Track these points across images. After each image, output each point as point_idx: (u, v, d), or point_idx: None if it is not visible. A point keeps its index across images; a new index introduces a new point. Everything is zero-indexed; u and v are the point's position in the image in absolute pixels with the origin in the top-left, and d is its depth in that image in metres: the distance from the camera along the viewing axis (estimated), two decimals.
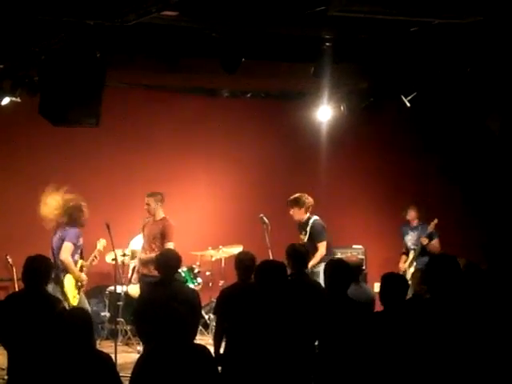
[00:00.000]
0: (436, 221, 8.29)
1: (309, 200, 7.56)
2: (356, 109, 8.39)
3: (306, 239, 7.42)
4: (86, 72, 5.68)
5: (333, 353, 4.67)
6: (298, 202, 7.52)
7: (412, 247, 8.43)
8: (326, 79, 6.79)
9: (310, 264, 6.91)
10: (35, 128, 7.61)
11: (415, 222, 8.50)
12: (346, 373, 4.61)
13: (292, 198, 7.59)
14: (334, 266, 5.09)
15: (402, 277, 5.02)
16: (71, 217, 6.94)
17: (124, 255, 7.86)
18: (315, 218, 7.50)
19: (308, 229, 7.42)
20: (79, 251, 6.98)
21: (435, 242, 8.29)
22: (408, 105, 7.36)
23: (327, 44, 6.21)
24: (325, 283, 5.12)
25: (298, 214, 7.53)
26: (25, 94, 7.00)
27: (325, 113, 8.47)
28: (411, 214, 8.51)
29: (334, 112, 8.54)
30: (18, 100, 7.19)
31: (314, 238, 7.41)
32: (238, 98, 9.27)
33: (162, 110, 8.98)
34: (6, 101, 7.29)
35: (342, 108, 8.38)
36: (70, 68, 5.63)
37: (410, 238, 8.49)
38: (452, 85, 7.19)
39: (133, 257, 7.93)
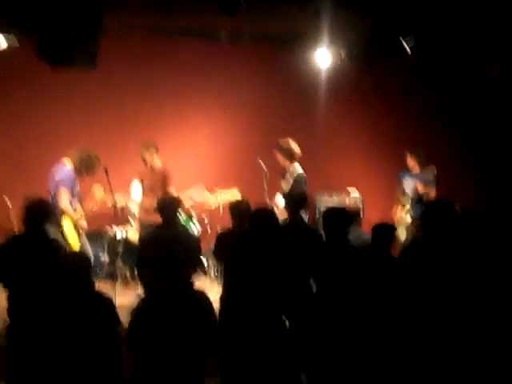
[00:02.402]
0: (434, 168, 8.28)
1: (294, 149, 7.48)
2: (356, 55, 8.33)
3: (286, 188, 7.40)
4: (84, 12, 5.61)
5: (332, 296, 4.73)
6: (281, 149, 7.49)
7: (409, 194, 8.44)
8: (326, 23, 6.70)
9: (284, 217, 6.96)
10: (33, 73, 7.56)
11: (415, 169, 8.48)
12: (342, 316, 4.68)
13: (279, 141, 7.54)
14: (332, 214, 5.13)
15: (392, 227, 5.08)
16: (83, 163, 6.88)
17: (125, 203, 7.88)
18: (297, 167, 7.45)
19: (290, 179, 7.39)
20: (77, 195, 6.97)
21: (432, 190, 8.29)
22: (409, 51, 7.27)
23: None
24: (324, 230, 5.17)
25: (280, 159, 7.52)
26: (21, 37, 6.90)
27: (324, 58, 8.38)
28: (410, 161, 8.50)
29: (333, 58, 8.45)
30: (15, 42, 7.10)
31: (294, 188, 7.35)
32: (236, 41, 9.15)
33: (160, 54, 8.88)
34: (4, 45, 7.19)
35: (341, 54, 8.31)
36: (67, 8, 5.55)
37: (408, 185, 8.47)
38: (453, 30, 7.10)
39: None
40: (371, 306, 4.62)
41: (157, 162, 7.69)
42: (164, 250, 4.52)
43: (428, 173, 8.28)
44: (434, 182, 8.32)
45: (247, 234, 5.03)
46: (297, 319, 5.21)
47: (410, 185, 8.45)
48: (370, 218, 8.38)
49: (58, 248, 5.10)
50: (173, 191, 7.44)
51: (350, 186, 9.56)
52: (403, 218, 8.35)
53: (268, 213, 5.09)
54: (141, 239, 6.75)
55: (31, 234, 5.05)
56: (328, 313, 4.73)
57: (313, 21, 6.73)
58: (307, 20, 6.83)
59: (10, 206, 8.13)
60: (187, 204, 7.87)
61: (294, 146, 7.50)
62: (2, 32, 7.03)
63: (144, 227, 7.36)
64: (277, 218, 5.21)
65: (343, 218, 5.05)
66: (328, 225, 5.06)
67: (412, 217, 8.22)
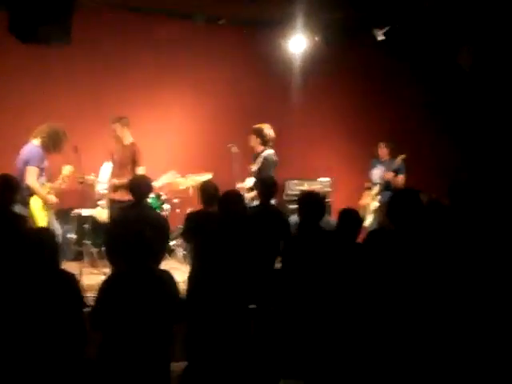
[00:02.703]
0: (403, 156, 8.37)
1: (269, 133, 7.51)
2: (330, 41, 8.35)
3: (254, 169, 7.45)
4: None
5: (299, 279, 4.77)
6: (256, 131, 7.52)
7: (378, 181, 8.54)
8: (300, 7, 6.70)
9: (250, 196, 7.00)
10: (4, 47, 7.42)
11: (385, 157, 8.59)
12: (308, 299, 4.73)
13: (256, 126, 7.57)
14: (307, 198, 5.17)
15: (357, 212, 5.15)
16: (51, 138, 6.82)
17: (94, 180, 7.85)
18: (269, 151, 7.48)
19: (259, 160, 7.44)
20: (44, 173, 6.91)
21: (400, 178, 8.39)
22: (381, 38, 7.31)
23: None
24: (299, 214, 5.21)
25: (254, 143, 7.54)
26: None
27: (298, 43, 8.38)
28: (381, 149, 8.59)
29: (307, 43, 8.46)
30: None
31: (262, 171, 7.41)
32: (212, 23, 9.11)
33: (135, 31, 8.79)
34: None
35: (316, 39, 8.32)
36: None
37: (377, 172, 8.57)
38: (426, 17, 7.14)
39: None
40: (335, 291, 4.68)
41: (127, 136, 7.62)
42: (132, 230, 4.53)
43: (397, 161, 8.38)
44: (402, 170, 8.43)
45: (215, 216, 5.07)
46: (263, 302, 5.28)
47: (379, 172, 8.54)
48: (339, 205, 8.46)
49: (23, 223, 5.07)
50: (142, 170, 7.38)
51: (320, 171, 9.63)
52: (370, 204, 8.46)
53: (236, 195, 5.16)
54: (110, 218, 6.73)
55: None
56: (295, 296, 4.78)
57: (288, 5, 6.72)
58: (282, 4, 6.82)
59: None
60: (158, 185, 7.86)
61: (269, 131, 7.52)
62: None
63: (112, 206, 7.33)
64: (243, 201, 5.26)
65: (319, 203, 5.09)
66: (303, 209, 5.10)
67: (379, 203, 8.33)
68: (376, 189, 8.49)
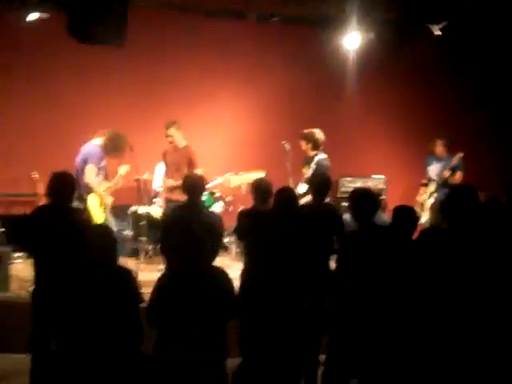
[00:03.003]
0: (461, 154, 8.24)
1: (319, 137, 7.46)
2: (385, 38, 8.26)
3: (308, 175, 7.41)
4: None
5: (354, 276, 4.74)
6: (306, 137, 7.48)
7: (434, 178, 8.42)
8: (355, 5, 6.66)
9: (304, 202, 6.95)
10: (61, 46, 7.59)
11: (442, 154, 8.46)
12: (363, 298, 4.70)
13: (305, 130, 7.54)
14: (359, 195, 5.12)
15: (413, 209, 5.06)
16: (113, 142, 6.95)
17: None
18: (322, 155, 7.43)
19: (312, 165, 7.39)
20: (101, 172, 7.04)
21: (458, 175, 8.27)
22: (438, 33, 7.20)
23: None
24: (351, 211, 5.17)
25: (305, 148, 7.51)
26: (51, 10, 6.96)
27: (353, 40, 8.32)
28: (438, 146, 8.47)
29: (362, 40, 8.39)
30: (46, 16, 7.15)
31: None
32: (265, 22, 9.13)
33: (188, 33, 8.90)
34: (33, 16, 7.25)
35: (370, 36, 8.25)
36: None
37: (434, 169, 8.46)
38: (483, 14, 7.01)
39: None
40: (390, 289, 4.63)
41: (180, 139, 7.70)
42: (186, 230, 4.57)
43: (455, 158, 8.25)
44: (460, 167, 8.30)
45: (269, 213, 5.07)
46: (318, 300, 5.26)
47: (436, 169, 8.43)
48: (394, 202, 8.36)
49: (81, 219, 5.18)
50: (200, 172, 7.44)
51: (375, 168, 9.55)
52: (426, 200, 8.35)
53: (291, 192, 5.13)
54: (164, 217, 6.81)
55: (56, 205, 5.13)
56: (349, 294, 4.75)
57: (342, 2, 6.68)
58: (336, 2, 6.79)
59: (37, 180, 8.28)
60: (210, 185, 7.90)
61: (319, 135, 7.48)
62: (34, 9, 7.09)
63: (168, 205, 7.42)
64: (297, 198, 5.24)
65: (370, 198, 5.03)
66: (354, 205, 5.05)
67: (435, 200, 8.21)
68: (433, 186, 8.38)
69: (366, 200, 4.98)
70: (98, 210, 6.85)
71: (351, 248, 4.83)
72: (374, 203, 5.00)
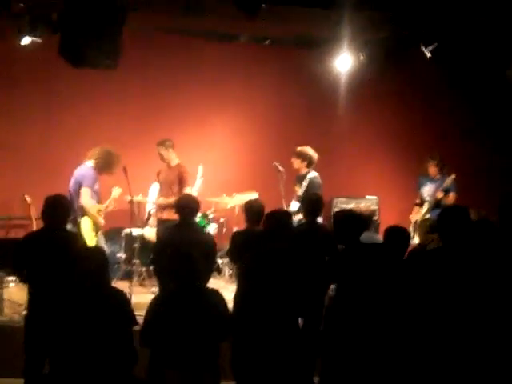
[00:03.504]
0: (454, 175, 8.25)
1: (313, 155, 7.51)
2: (376, 58, 8.32)
3: (300, 192, 7.44)
4: (106, 13, 5.68)
5: (350, 297, 4.73)
6: (300, 155, 7.52)
7: (427, 199, 8.43)
8: (345, 26, 6.72)
9: (296, 220, 6.94)
10: (55, 69, 7.61)
11: (435, 174, 8.47)
12: (356, 318, 4.69)
13: (299, 148, 7.58)
14: (343, 217, 5.12)
15: (405, 230, 5.06)
16: (104, 160, 6.96)
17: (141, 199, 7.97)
18: (314, 174, 7.47)
19: (305, 183, 7.42)
20: (96, 195, 7.04)
21: (451, 196, 8.26)
22: (428, 55, 7.26)
23: None
24: (334, 233, 5.17)
25: (298, 166, 7.54)
26: (45, 34, 7.01)
27: (344, 61, 8.38)
28: (431, 167, 8.48)
29: (353, 61, 8.45)
30: (39, 40, 7.20)
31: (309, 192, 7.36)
32: (256, 43, 9.20)
33: (181, 54, 8.97)
34: (26, 41, 7.30)
35: (361, 57, 8.31)
36: (89, 8, 5.63)
37: (428, 190, 8.46)
38: (473, 34, 7.08)
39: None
40: (382, 308, 4.63)
41: (173, 157, 7.73)
42: (179, 250, 4.57)
43: (448, 180, 8.26)
44: (453, 189, 8.31)
45: (261, 235, 5.06)
46: (312, 321, 5.25)
47: (428, 190, 8.45)
48: (387, 222, 8.37)
49: (76, 241, 5.18)
50: (189, 190, 7.46)
51: (368, 189, 9.57)
52: (418, 220, 8.35)
53: (283, 214, 5.13)
54: (157, 238, 6.80)
55: (50, 229, 5.12)
56: (343, 314, 4.74)
57: (333, 24, 6.75)
58: (327, 23, 6.85)
59: (30, 203, 8.27)
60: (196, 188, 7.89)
61: (312, 153, 7.52)
62: (26, 33, 7.15)
63: (160, 225, 7.42)
64: (291, 220, 5.24)
65: (354, 220, 5.02)
66: (338, 227, 5.05)
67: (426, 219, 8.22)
68: (426, 206, 8.39)
69: (349, 221, 4.98)
70: (90, 233, 6.84)
71: (339, 267, 4.83)
72: (357, 224, 4.99)
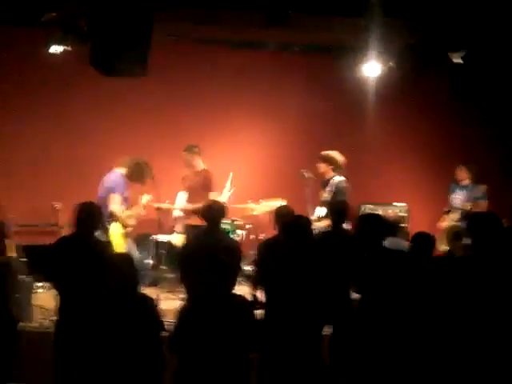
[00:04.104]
0: (486, 186, 8.14)
1: (339, 159, 7.46)
2: (405, 66, 8.29)
3: (328, 197, 7.38)
4: (134, 21, 5.74)
5: (373, 301, 4.69)
6: (326, 159, 7.47)
7: (457, 206, 8.32)
8: (374, 34, 6.70)
9: (321, 226, 6.89)
10: (84, 77, 7.70)
11: (465, 182, 8.37)
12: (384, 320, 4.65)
13: (324, 152, 7.54)
14: (365, 219, 5.09)
15: (430, 236, 5.01)
16: (136, 170, 7.01)
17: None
18: (340, 178, 7.39)
19: (332, 188, 7.35)
20: (126, 202, 7.09)
21: (482, 205, 8.13)
22: (458, 61, 7.19)
23: None
24: (358, 236, 5.12)
25: (324, 170, 7.48)
26: (74, 43, 7.10)
27: (373, 69, 8.35)
28: (461, 174, 8.38)
29: (381, 68, 8.42)
30: (69, 49, 7.29)
31: (336, 198, 7.31)
32: (284, 51, 9.21)
33: (208, 63, 9.00)
34: (54, 49, 7.39)
35: (390, 64, 8.28)
36: (118, 17, 5.69)
37: (457, 197, 8.35)
38: (503, 42, 7.01)
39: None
40: (406, 315, 4.59)
41: (198, 163, 7.76)
42: (209, 256, 4.57)
43: (478, 188, 8.16)
44: (484, 197, 8.19)
45: (283, 242, 5.06)
46: (338, 328, 5.22)
47: (459, 197, 8.35)
48: (417, 229, 8.30)
49: (105, 249, 5.21)
50: (215, 195, 7.48)
51: (396, 196, 9.51)
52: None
53: (302, 220, 5.11)
54: (183, 244, 6.83)
55: (80, 236, 5.17)
56: (368, 320, 4.70)
57: (361, 31, 6.73)
58: (355, 31, 6.84)
59: (59, 210, 8.35)
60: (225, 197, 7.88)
61: (338, 156, 7.49)
62: (56, 42, 7.24)
63: (187, 231, 7.44)
64: (310, 226, 5.20)
65: (376, 223, 4.98)
66: (362, 230, 5.02)
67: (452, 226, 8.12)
68: (456, 214, 8.28)
69: (371, 224, 4.94)
70: (119, 239, 6.89)
71: (360, 274, 4.79)
72: (379, 227, 4.94)
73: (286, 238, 4.93)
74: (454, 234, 5.85)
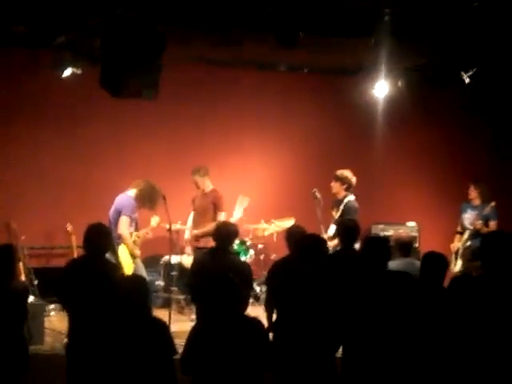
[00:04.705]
0: (493, 203, 8.11)
1: (353, 179, 7.48)
2: (414, 85, 8.30)
3: (337, 216, 7.38)
4: (146, 44, 5.77)
5: (367, 324, 4.65)
6: (341, 178, 7.49)
7: (468, 226, 8.29)
8: (383, 54, 6.72)
9: (333, 244, 6.86)
10: (95, 99, 7.76)
11: (477, 201, 8.34)
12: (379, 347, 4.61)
13: (338, 172, 7.56)
14: (370, 243, 5.06)
15: (442, 256, 4.98)
16: (147, 194, 7.03)
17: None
18: (351, 197, 7.41)
19: (341, 207, 7.37)
20: (134, 224, 7.11)
21: (491, 225, 8.10)
22: (468, 81, 7.21)
23: (386, 18, 6.13)
24: (362, 259, 5.10)
25: (337, 189, 7.50)
26: (86, 66, 7.16)
27: (382, 88, 8.38)
28: (472, 193, 8.36)
29: (391, 88, 8.45)
30: (79, 72, 7.35)
31: (345, 217, 7.31)
32: (294, 72, 9.25)
33: (218, 84, 9.04)
34: (68, 72, 7.46)
35: (399, 84, 8.29)
36: (130, 40, 5.73)
37: (469, 217, 8.33)
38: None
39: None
40: (415, 336, 4.54)
41: (207, 183, 7.78)
42: (217, 277, 4.55)
43: (487, 208, 8.13)
44: (494, 216, 8.16)
45: (296, 262, 5.03)
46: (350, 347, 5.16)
47: (469, 217, 8.32)
48: (428, 249, 8.25)
49: (116, 270, 5.21)
50: (224, 216, 7.48)
51: (408, 215, 9.48)
52: (460, 248, 8.21)
53: (316, 240, 5.08)
54: (193, 265, 6.81)
55: (91, 258, 5.17)
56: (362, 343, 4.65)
57: (370, 52, 6.75)
58: (365, 51, 6.86)
59: (71, 232, 8.37)
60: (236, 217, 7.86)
61: (351, 176, 7.50)
62: (70, 67, 7.31)
63: (196, 253, 7.44)
64: (325, 246, 5.18)
65: (379, 246, 4.94)
66: (366, 254, 4.99)
67: (467, 248, 8.07)
68: (467, 234, 8.24)
69: (374, 247, 4.90)
70: (128, 261, 6.90)
71: (359, 295, 4.75)
72: (382, 250, 4.90)
73: (302, 257, 4.88)
74: (469, 254, 5.80)
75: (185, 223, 8.15)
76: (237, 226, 6.21)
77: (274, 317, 5.34)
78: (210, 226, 7.15)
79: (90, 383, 4.43)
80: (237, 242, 7.93)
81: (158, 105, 7.35)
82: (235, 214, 7.91)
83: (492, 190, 8.38)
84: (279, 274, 5.49)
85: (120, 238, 6.88)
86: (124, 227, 6.88)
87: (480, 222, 8.09)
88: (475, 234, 8.06)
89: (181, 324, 7.20)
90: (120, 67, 5.88)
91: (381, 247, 4.92)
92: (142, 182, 7.09)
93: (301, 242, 5.09)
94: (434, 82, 7.91)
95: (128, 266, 6.84)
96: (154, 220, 7.20)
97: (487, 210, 8.12)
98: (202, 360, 4.24)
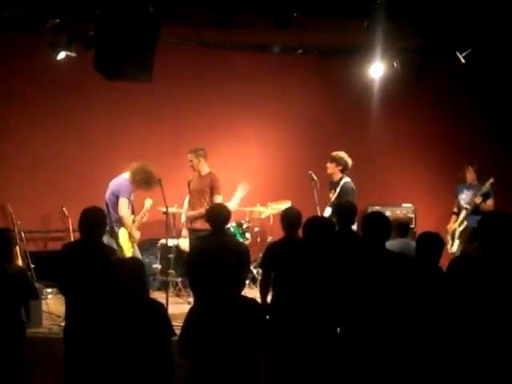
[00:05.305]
0: (492, 180, 8.13)
1: (347, 160, 7.53)
2: (410, 66, 8.28)
3: (333, 198, 7.41)
4: (140, 27, 5.74)
5: (365, 304, 4.66)
6: (336, 159, 7.53)
7: (465, 206, 8.30)
8: (379, 35, 6.70)
9: None
10: (89, 82, 7.73)
11: (472, 181, 8.36)
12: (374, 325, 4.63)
13: (334, 153, 7.60)
14: (370, 219, 5.04)
15: (437, 236, 4.97)
16: (143, 176, 7.02)
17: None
18: (347, 179, 7.46)
19: (338, 189, 7.41)
20: (131, 206, 7.11)
21: (490, 202, 8.13)
22: (463, 61, 7.19)
23: None
24: (362, 236, 5.08)
25: (332, 170, 7.54)
26: (80, 49, 7.13)
27: (377, 69, 8.35)
28: (468, 173, 8.37)
29: (386, 69, 8.42)
30: (74, 55, 7.32)
31: (342, 199, 7.34)
32: (289, 54, 9.22)
33: (213, 67, 9.01)
34: (61, 55, 7.42)
35: (395, 65, 8.27)
36: (124, 23, 5.70)
37: (465, 197, 8.35)
38: (508, 41, 7.00)
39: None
40: (413, 315, 4.56)
41: (203, 166, 7.77)
42: (216, 258, 4.56)
43: (486, 186, 8.15)
44: (491, 194, 8.19)
45: (300, 243, 5.02)
46: (346, 330, 5.19)
47: (465, 197, 8.34)
48: (424, 230, 8.28)
49: (112, 254, 5.22)
50: (220, 199, 7.48)
51: (403, 197, 9.49)
52: (457, 229, 8.24)
53: (326, 221, 5.09)
54: (190, 248, 6.83)
55: (87, 241, 5.18)
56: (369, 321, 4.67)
57: (365, 32, 6.73)
58: (360, 32, 6.83)
59: (68, 216, 8.38)
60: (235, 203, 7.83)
61: (347, 157, 7.53)
62: (64, 50, 7.28)
63: (193, 235, 7.44)
64: (334, 228, 5.17)
65: (379, 222, 4.92)
66: (365, 229, 4.96)
67: (465, 227, 8.10)
68: (463, 214, 8.27)
69: (376, 223, 4.88)
70: (127, 244, 6.91)
71: (357, 277, 4.75)
72: (382, 226, 4.87)
73: (312, 238, 4.83)
74: (467, 236, 5.81)
75: (181, 206, 8.15)
76: (228, 208, 6.19)
77: (269, 298, 5.39)
78: (205, 208, 7.15)
79: (87, 365, 4.45)
80: (233, 224, 7.95)
81: (155, 88, 7.34)
82: (232, 201, 7.88)
83: (488, 170, 8.39)
84: (275, 256, 5.50)
85: (120, 221, 6.89)
86: (124, 209, 6.90)
87: (479, 197, 8.11)
88: (474, 212, 8.07)
89: (178, 306, 7.24)
90: (114, 50, 5.85)
91: (381, 222, 4.91)
92: (137, 165, 7.08)
93: (311, 223, 5.02)
94: (430, 63, 7.90)
95: (127, 249, 6.86)
96: (148, 202, 7.19)
97: (486, 186, 8.12)
98: (199, 341, 4.27)
